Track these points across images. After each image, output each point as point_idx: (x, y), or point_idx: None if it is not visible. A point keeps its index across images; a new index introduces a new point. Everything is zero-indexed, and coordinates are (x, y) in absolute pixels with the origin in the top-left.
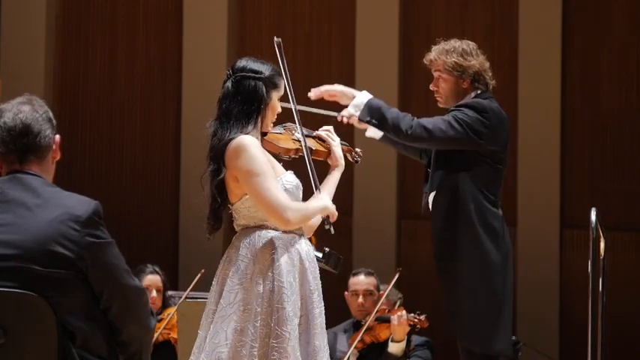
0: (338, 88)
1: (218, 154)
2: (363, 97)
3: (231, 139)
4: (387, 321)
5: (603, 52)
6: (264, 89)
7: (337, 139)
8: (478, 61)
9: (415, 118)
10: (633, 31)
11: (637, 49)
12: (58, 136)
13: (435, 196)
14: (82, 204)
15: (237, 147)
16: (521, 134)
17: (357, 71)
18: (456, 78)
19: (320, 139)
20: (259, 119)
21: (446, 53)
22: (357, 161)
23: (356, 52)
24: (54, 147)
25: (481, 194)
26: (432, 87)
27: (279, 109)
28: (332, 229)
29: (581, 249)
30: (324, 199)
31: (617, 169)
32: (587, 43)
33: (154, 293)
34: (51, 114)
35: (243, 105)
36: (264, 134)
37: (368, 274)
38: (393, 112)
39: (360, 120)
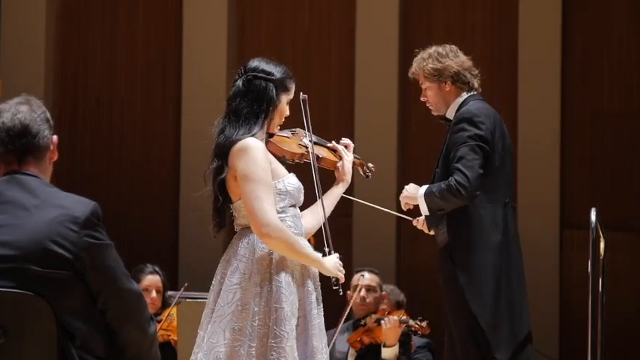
0: (406, 194)
1: (223, 152)
2: (420, 193)
3: (237, 140)
4: None
5: (603, 52)
6: (274, 91)
7: (351, 156)
8: (455, 61)
9: (452, 179)
10: (633, 32)
11: (637, 49)
12: (55, 137)
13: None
14: (80, 205)
15: (241, 149)
16: (521, 134)
17: (357, 71)
18: (437, 83)
19: (332, 150)
20: (266, 120)
21: (423, 61)
22: (368, 176)
23: (356, 52)
24: (52, 147)
25: (482, 198)
26: (422, 98)
27: (288, 113)
28: (340, 289)
29: (581, 249)
30: (325, 259)
31: (617, 169)
32: (587, 43)
33: (154, 294)
34: (48, 114)
35: (252, 105)
36: (270, 135)
37: (371, 272)
38: (439, 195)
39: (430, 218)
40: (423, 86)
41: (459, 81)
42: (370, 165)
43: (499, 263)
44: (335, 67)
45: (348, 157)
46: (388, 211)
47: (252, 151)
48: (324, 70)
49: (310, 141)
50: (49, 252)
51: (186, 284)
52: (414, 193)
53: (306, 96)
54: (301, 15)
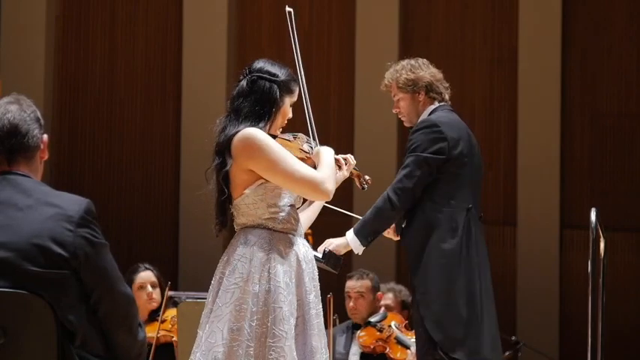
0: (336, 243)
1: (223, 147)
2: (349, 236)
3: (236, 132)
4: (406, 347)
5: (603, 52)
6: (278, 92)
7: (346, 172)
8: (428, 72)
9: (386, 193)
10: (633, 32)
11: (637, 49)
12: (45, 136)
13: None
14: (73, 203)
15: (246, 138)
16: (521, 134)
17: (357, 71)
18: (411, 93)
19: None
20: (269, 121)
21: (396, 73)
22: (364, 188)
23: (356, 52)
24: (42, 146)
25: (434, 205)
26: (394, 110)
27: (290, 115)
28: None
29: (581, 249)
30: (325, 151)
31: (617, 169)
32: (587, 43)
33: (150, 288)
34: (38, 113)
35: (255, 105)
36: (272, 137)
37: (360, 276)
38: (371, 215)
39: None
40: (396, 98)
41: (432, 91)
42: (367, 177)
43: (450, 264)
44: (335, 67)
45: (342, 171)
46: (354, 215)
47: (257, 136)
48: (324, 70)
49: (311, 148)
50: (46, 251)
51: (169, 283)
52: (342, 241)
53: (291, 9)
54: (301, 15)
